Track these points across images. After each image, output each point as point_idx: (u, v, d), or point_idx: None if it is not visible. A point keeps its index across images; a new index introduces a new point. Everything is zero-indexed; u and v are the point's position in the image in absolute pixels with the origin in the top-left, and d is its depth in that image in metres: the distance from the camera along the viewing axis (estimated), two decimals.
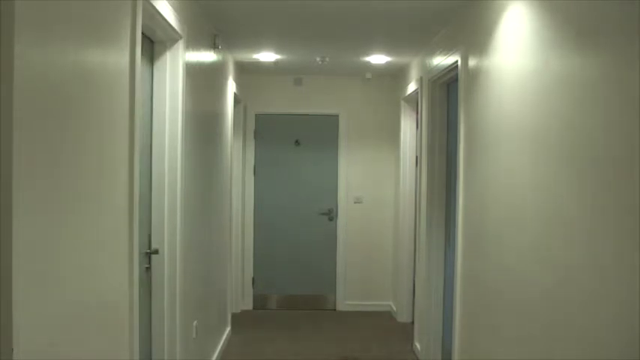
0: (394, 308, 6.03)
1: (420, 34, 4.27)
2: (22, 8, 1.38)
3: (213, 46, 4.12)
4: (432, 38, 4.34)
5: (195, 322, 3.60)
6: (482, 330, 3.06)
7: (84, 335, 1.84)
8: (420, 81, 4.72)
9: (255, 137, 6.22)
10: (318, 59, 5.22)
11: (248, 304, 6.22)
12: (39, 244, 1.51)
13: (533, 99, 2.39)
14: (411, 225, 5.59)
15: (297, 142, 6.25)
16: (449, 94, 4.28)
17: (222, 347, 4.67)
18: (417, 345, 4.73)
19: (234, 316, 5.57)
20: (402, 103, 5.73)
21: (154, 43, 3.01)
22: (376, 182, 6.27)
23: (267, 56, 5.17)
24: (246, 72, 5.91)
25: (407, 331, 5.38)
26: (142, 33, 2.46)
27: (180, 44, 3.06)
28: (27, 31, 1.41)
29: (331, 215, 6.26)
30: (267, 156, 6.24)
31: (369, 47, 4.86)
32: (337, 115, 6.24)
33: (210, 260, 4.21)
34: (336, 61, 5.36)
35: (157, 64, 3.03)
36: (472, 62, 3.34)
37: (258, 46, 4.85)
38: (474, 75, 3.29)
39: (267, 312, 6.14)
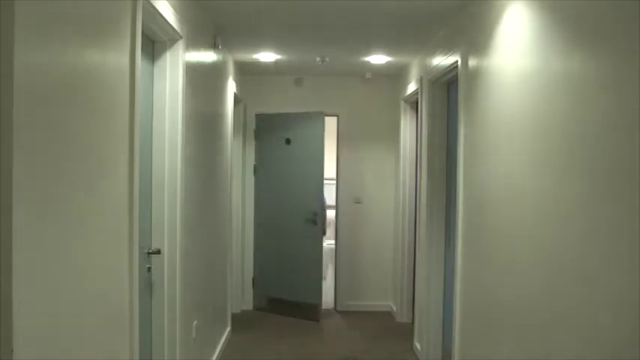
0: (394, 308, 6.03)
1: (420, 34, 4.27)
2: (22, 8, 1.38)
3: (213, 46, 4.12)
4: (432, 38, 4.34)
5: (195, 322, 3.60)
6: (482, 330, 3.06)
7: (84, 335, 1.84)
8: (420, 81, 4.72)
9: (255, 137, 6.21)
10: (318, 59, 5.22)
11: (248, 304, 6.22)
12: (39, 244, 1.51)
13: (534, 99, 2.39)
14: (411, 225, 5.59)
15: (287, 141, 6.17)
16: (449, 94, 4.29)
17: (222, 347, 4.67)
18: (417, 345, 4.73)
19: (234, 316, 5.57)
20: (402, 103, 5.74)
21: (154, 43, 3.01)
22: (376, 182, 6.27)
23: (267, 56, 5.17)
24: (246, 72, 5.91)
25: (407, 331, 5.38)
26: (142, 33, 2.46)
27: (181, 44, 3.06)
28: (27, 31, 1.41)
29: (316, 220, 6.20)
30: (267, 156, 6.23)
31: (369, 47, 4.86)
32: (337, 115, 6.24)
33: (210, 260, 4.21)
34: (336, 61, 5.36)
35: (157, 64, 3.03)
36: (472, 62, 3.34)
37: (258, 46, 4.85)
38: (474, 75, 3.29)
39: (267, 312, 6.14)
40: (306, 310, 5.91)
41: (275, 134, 6.17)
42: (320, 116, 5.86)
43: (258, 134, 6.22)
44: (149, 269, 2.95)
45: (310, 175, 5.90)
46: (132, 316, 2.26)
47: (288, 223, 6.05)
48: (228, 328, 5.13)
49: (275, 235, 6.15)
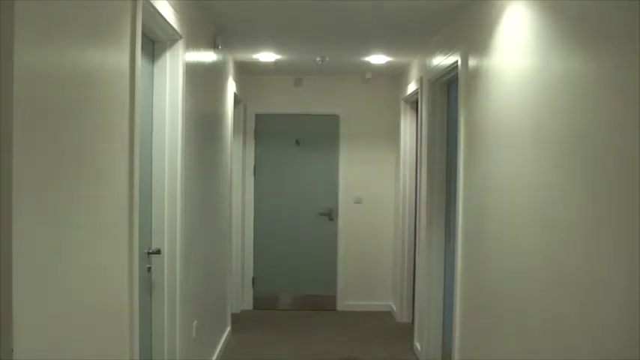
0: (394, 308, 6.03)
1: (420, 34, 4.27)
2: (22, 8, 1.38)
3: (213, 46, 4.12)
4: (432, 38, 4.34)
5: (195, 322, 3.60)
6: (482, 330, 3.06)
7: (84, 335, 1.84)
8: (420, 81, 4.72)
9: (255, 137, 6.22)
10: (318, 59, 5.22)
11: (248, 304, 6.22)
12: (39, 244, 1.51)
13: (534, 99, 2.39)
14: (411, 225, 5.59)
15: (297, 142, 6.25)
16: (449, 94, 4.29)
17: (222, 347, 4.67)
18: (417, 345, 4.73)
19: (234, 316, 5.57)
20: (402, 103, 5.73)
21: (154, 43, 3.01)
22: (376, 182, 6.27)
23: (267, 56, 5.17)
24: (246, 72, 5.91)
25: (407, 331, 5.38)
26: (142, 33, 2.46)
27: (180, 44, 3.06)
28: (27, 31, 1.41)
29: (331, 215, 6.26)
30: (267, 156, 6.24)
31: (369, 47, 4.86)
32: (337, 115, 6.24)
33: (210, 260, 4.21)
34: (336, 61, 5.36)
35: (157, 64, 3.03)
36: (472, 62, 3.34)
37: (258, 46, 4.85)
38: (474, 75, 3.28)
39: (267, 312, 6.14)
40: (322, 302, 6.22)
41: (281, 135, 6.22)
42: (334, 118, 6.18)
43: (259, 134, 6.22)
44: (149, 269, 2.95)
45: (325, 174, 6.24)
46: (132, 316, 2.26)
47: (299, 220, 6.25)
48: (228, 328, 5.13)
49: (281, 232, 6.25)
